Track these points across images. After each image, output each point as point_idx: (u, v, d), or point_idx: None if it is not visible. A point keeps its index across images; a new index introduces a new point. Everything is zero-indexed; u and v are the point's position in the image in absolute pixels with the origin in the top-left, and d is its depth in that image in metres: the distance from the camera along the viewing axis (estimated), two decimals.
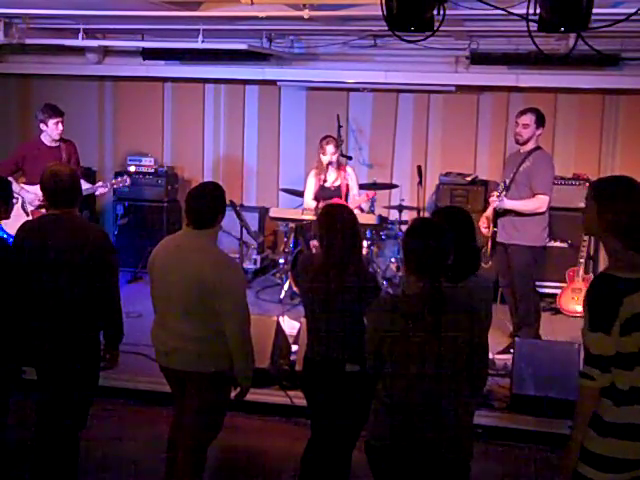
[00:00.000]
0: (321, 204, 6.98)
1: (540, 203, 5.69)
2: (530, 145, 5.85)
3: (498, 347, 5.84)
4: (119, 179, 6.92)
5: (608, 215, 2.80)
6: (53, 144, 6.51)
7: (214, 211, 3.76)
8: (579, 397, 2.84)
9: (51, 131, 6.43)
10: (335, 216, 3.81)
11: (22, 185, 6.34)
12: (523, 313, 5.94)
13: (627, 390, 2.75)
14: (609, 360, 2.73)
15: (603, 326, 2.71)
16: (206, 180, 7.56)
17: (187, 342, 3.70)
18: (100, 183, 6.81)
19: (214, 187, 3.86)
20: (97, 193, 6.76)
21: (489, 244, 5.93)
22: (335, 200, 6.58)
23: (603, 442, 2.76)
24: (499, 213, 5.85)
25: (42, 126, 6.45)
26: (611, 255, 2.84)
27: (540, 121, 5.84)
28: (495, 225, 5.89)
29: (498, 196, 5.72)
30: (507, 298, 6.10)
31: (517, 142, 5.92)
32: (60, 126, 6.44)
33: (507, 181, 5.79)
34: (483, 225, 5.95)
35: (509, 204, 5.73)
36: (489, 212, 5.98)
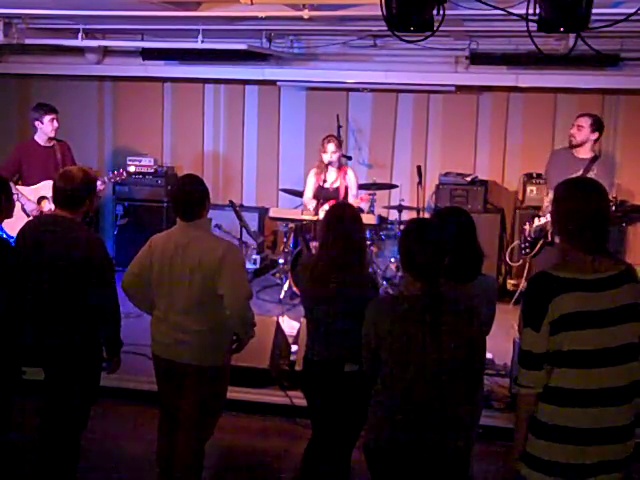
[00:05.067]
0: (321, 204, 6.99)
1: None
2: (588, 152, 5.81)
3: (501, 348, 5.82)
4: (116, 173, 6.93)
5: (556, 216, 2.88)
6: (47, 144, 6.52)
7: (201, 200, 3.83)
8: (517, 400, 2.89)
9: (46, 128, 6.45)
10: (338, 216, 3.81)
11: (22, 192, 6.34)
12: None
13: (552, 388, 2.78)
14: (538, 358, 2.75)
15: (533, 323, 2.75)
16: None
17: (189, 335, 3.75)
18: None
19: (193, 178, 3.94)
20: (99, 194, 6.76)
21: (538, 244, 5.96)
22: (333, 201, 6.57)
23: (537, 443, 2.80)
24: None
25: (37, 124, 6.48)
26: (560, 254, 2.88)
27: (596, 126, 5.78)
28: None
29: None
30: None
31: (570, 143, 5.88)
32: (55, 123, 6.48)
33: None
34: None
35: None
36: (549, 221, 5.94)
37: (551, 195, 5.83)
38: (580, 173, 5.68)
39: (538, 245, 5.96)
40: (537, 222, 5.99)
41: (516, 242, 6.28)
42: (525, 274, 6.41)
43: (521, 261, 6.21)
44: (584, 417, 2.74)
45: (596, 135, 5.81)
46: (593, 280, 2.74)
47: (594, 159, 5.78)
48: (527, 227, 6.08)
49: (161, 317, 3.88)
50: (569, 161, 5.85)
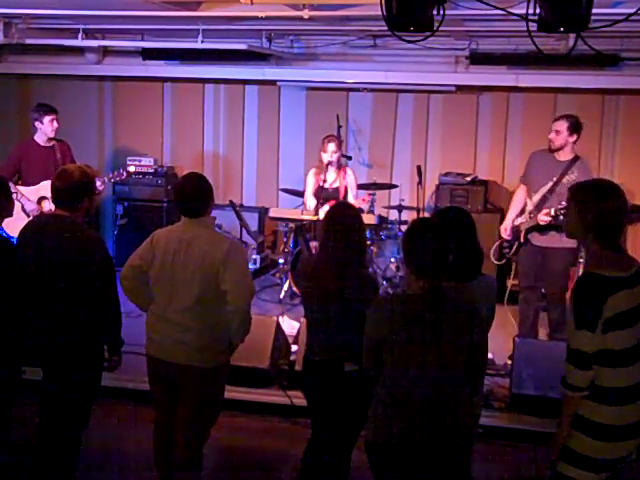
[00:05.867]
0: (321, 204, 6.98)
1: None
2: (568, 154, 5.78)
3: (501, 348, 5.83)
4: (116, 173, 6.95)
5: (587, 216, 2.88)
6: (47, 144, 6.55)
7: (206, 197, 3.82)
8: (563, 401, 2.91)
9: (46, 128, 6.48)
10: (339, 216, 3.81)
11: (22, 192, 6.35)
12: (558, 317, 5.88)
13: (607, 388, 2.81)
14: (589, 357, 2.78)
15: (588, 324, 2.76)
16: None
17: (189, 334, 3.73)
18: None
19: (197, 175, 3.94)
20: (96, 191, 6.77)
21: (514, 245, 5.99)
22: (333, 201, 6.57)
23: (588, 442, 2.83)
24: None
25: (37, 124, 6.51)
26: (592, 255, 2.91)
27: (574, 128, 5.76)
28: (528, 232, 5.88)
29: (551, 214, 5.59)
30: (530, 299, 6.07)
31: (549, 148, 5.86)
32: (55, 123, 6.50)
33: (547, 192, 5.71)
34: (506, 233, 6.03)
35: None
36: (524, 222, 5.92)
37: (535, 198, 5.84)
38: (559, 175, 5.68)
39: (515, 246, 5.98)
40: (515, 222, 6.00)
41: (498, 242, 6.29)
42: (512, 273, 6.42)
43: (504, 260, 6.23)
44: (629, 413, 2.82)
45: (574, 137, 5.77)
46: (629, 277, 2.82)
47: (574, 160, 5.77)
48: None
49: (158, 314, 3.85)
50: (549, 164, 5.83)
